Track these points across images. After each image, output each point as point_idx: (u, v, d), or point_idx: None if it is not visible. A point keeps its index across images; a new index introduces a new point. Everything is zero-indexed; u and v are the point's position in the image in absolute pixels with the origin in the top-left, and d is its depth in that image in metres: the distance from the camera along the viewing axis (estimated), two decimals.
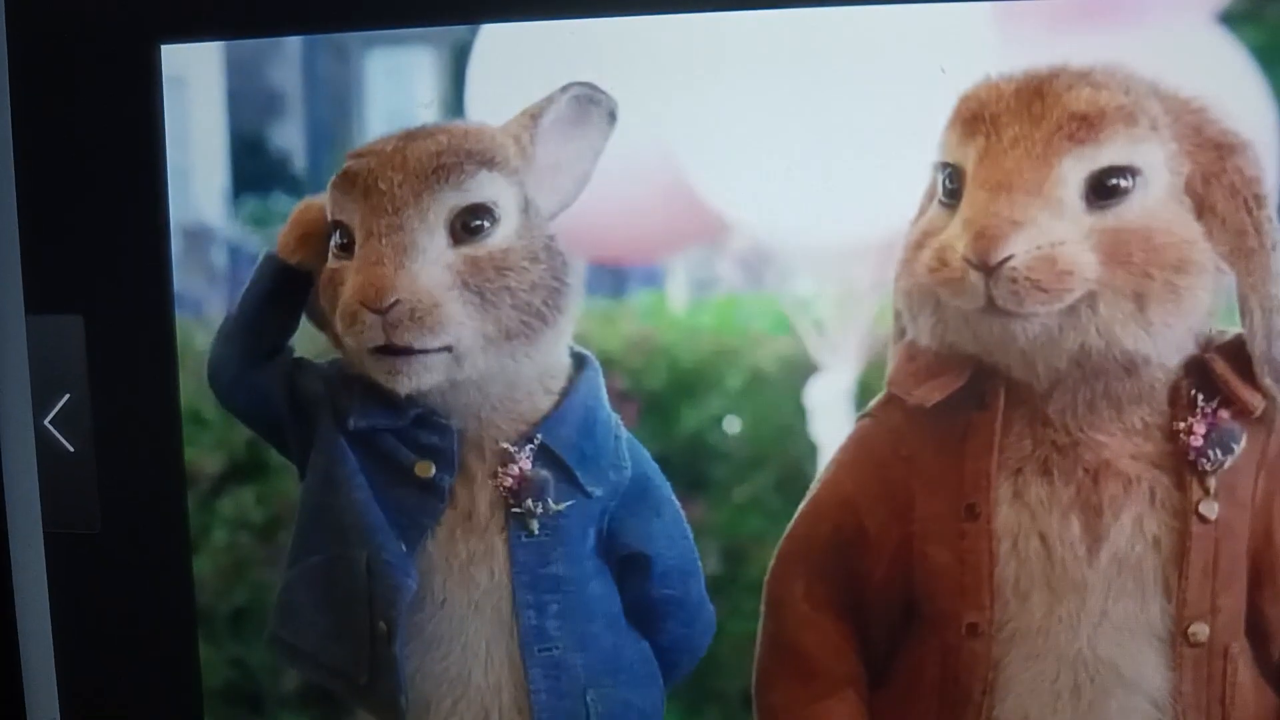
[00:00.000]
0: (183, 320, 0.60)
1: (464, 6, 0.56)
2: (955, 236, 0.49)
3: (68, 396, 0.61)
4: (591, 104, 0.54)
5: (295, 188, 0.59)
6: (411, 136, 0.54)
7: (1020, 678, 0.52)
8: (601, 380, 0.56)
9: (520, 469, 0.55)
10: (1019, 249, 0.48)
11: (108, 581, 0.62)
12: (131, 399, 0.60)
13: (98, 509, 0.62)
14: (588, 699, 0.56)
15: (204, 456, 0.62)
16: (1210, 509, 0.50)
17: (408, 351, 0.53)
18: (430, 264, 0.53)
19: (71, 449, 0.62)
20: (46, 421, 0.62)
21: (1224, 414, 0.50)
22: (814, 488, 0.55)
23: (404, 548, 0.55)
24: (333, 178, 0.54)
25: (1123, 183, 0.49)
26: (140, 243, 0.59)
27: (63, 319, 0.61)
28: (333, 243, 0.55)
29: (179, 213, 0.59)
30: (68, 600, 0.63)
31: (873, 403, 0.54)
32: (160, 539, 0.61)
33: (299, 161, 0.60)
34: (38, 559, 0.63)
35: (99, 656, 0.63)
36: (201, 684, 0.62)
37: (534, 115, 0.54)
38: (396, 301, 0.52)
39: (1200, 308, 0.49)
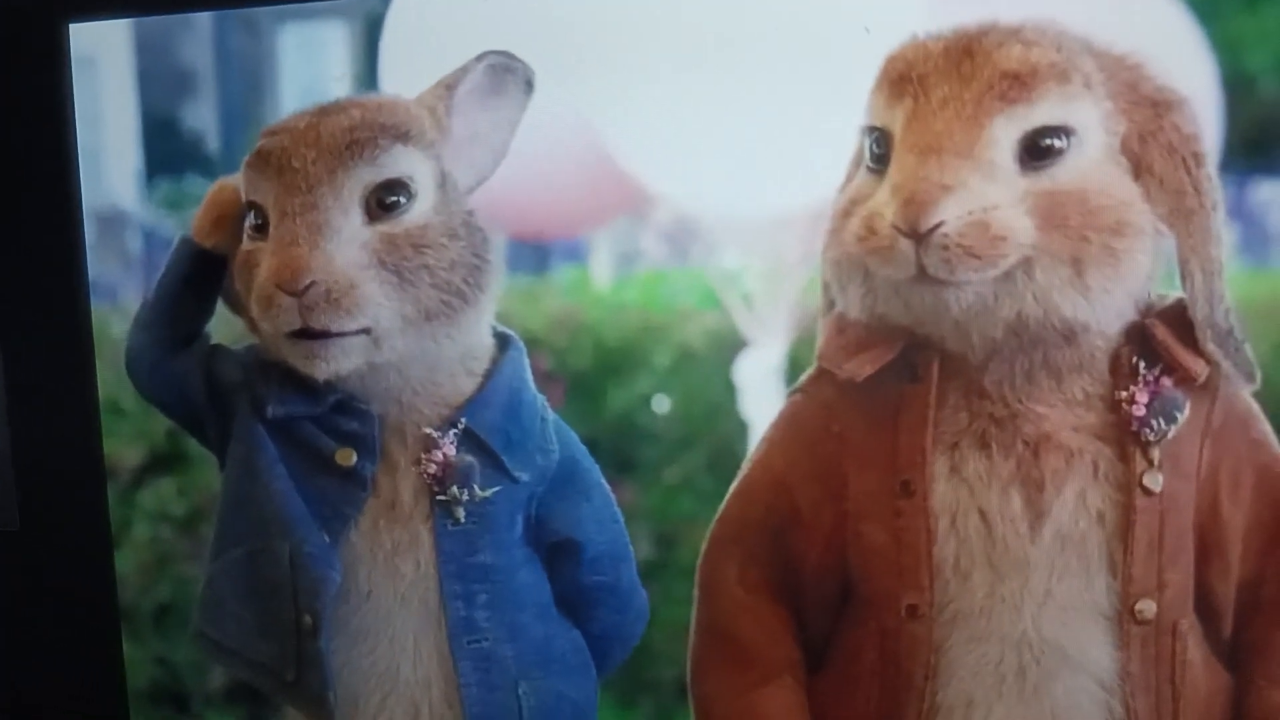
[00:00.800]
0: (98, 308, 0.58)
1: None
2: (884, 203, 0.47)
3: None
4: (508, 73, 0.52)
5: (209, 169, 0.58)
6: (325, 112, 0.52)
7: (963, 660, 0.50)
8: (526, 361, 0.55)
9: (444, 454, 0.53)
10: (950, 214, 0.46)
11: (27, 580, 0.61)
12: (46, 390, 0.59)
13: (15, 505, 0.60)
14: (519, 691, 0.54)
15: (123, 448, 0.61)
16: (1154, 481, 0.49)
17: (325, 335, 0.51)
18: (346, 243, 0.51)
19: None
20: None
21: (1166, 381, 0.49)
22: (745, 467, 0.53)
23: (327, 539, 0.54)
24: (247, 157, 0.53)
25: (1057, 143, 0.47)
26: (51, 228, 0.58)
27: None
28: (247, 224, 0.53)
29: (91, 197, 0.58)
30: None
31: (803, 378, 0.52)
32: (80, 535, 0.60)
33: (213, 141, 0.59)
34: None
35: (20, 657, 0.61)
36: (126, 683, 0.61)
37: (449, 86, 0.53)
38: (312, 283, 0.50)
39: (1140, 272, 0.48)
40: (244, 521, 0.55)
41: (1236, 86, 0.49)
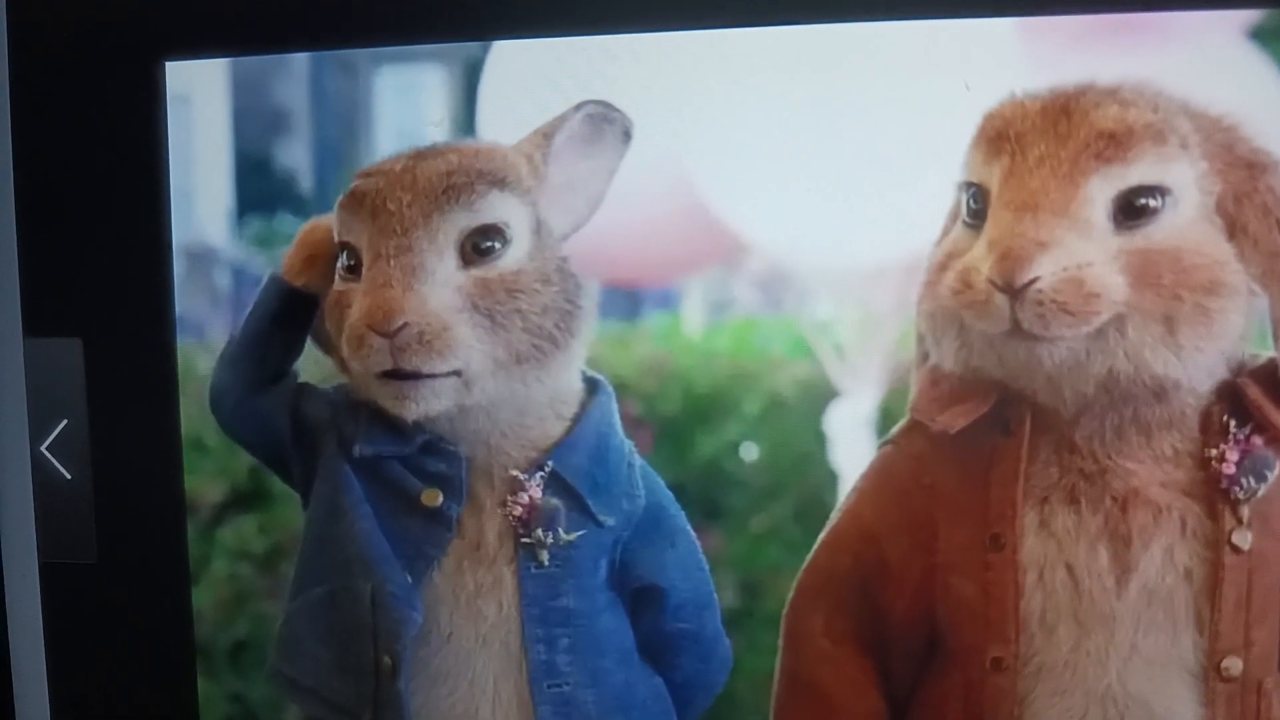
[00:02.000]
0: (184, 344, 0.60)
1: (475, 23, 0.56)
2: (980, 258, 0.49)
3: (65, 422, 0.61)
4: (606, 122, 0.54)
5: (301, 208, 0.59)
6: (421, 156, 0.54)
7: (1046, 714, 0.52)
8: (615, 405, 0.56)
9: (530, 497, 0.55)
10: (1045, 271, 0.48)
11: (104, 613, 0.62)
12: (131, 425, 0.60)
13: (94, 538, 0.61)
14: None
15: (205, 484, 0.62)
16: (1243, 539, 0.50)
17: (416, 376, 0.53)
18: (439, 286, 0.52)
19: (68, 476, 0.62)
20: (43, 448, 0.62)
21: (1257, 440, 0.50)
22: (834, 517, 0.55)
23: (409, 579, 0.55)
24: (340, 198, 0.54)
25: (1151, 202, 0.49)
26: (141, 264, 0.59)
27: (61, 342, 0.61)
28: (339, 264, 0.55)
29: (181, 233, 0.59)
30: (63, 633, 0.63)
31: (895, 429, 0.54)
32: (158, 569, 0.61)
33: (305, 181, 0.60)
34: (32, 590, 0.63)
35: (95, 691, 0.62)
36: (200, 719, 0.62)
37: (547, 134, 0.54)
38: (405, 324, 0.52)
39: (1232, 331, 0.49)
40: (326, 560, 0.56)
41: None
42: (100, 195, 0.59)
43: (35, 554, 0.62)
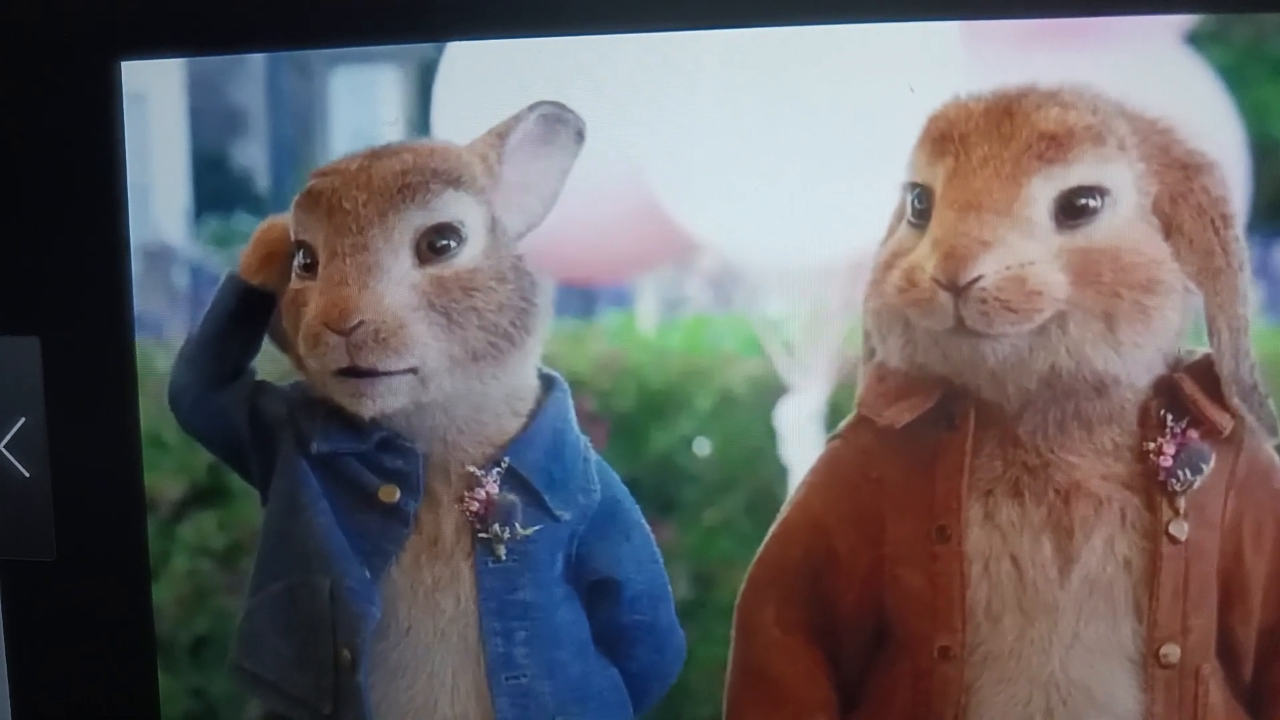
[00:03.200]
0: (143, 342, 0.61)
1: (430, 24, 0.57)
2: (924, 257, 0.51)
3: (23, 420, 0.62)
4: (559, 123, 0.56)
5: (258, 207, 0.60)
6: (376, 155, 0.56)
7: (993, 701, 0.54)
8: (570, 402, 0.58)
9: (487, 493, 0.56)
10: (988, 269, 0.49)
11: (64, 611, 0.63)
12: (89, 422, 0.61)
13: (53, 536, 0.62)
14: None
15: (164, 481, 0.63)
16: (1180, 529, 0.52)
17: (372, 373, 0.54)
18: (395, 284, 0.54)
19: (27, 474, 0.63)
20: (1, 446, 0.62)
21: (1193, 434, 0.52)
22: (784, 510, 0.57)
23: (368, 574, 0.56)
24: (296, 197, 0.56)
25: (1091, 202, 0.51)
26: (99, 262, 0.60)
27: (19, 340, 0.62)
28: (296, 263, 0.56)
29: (139, 232, 0.60)
30: (22, 630, 0.64)
31: (843, 424, 0.56)
32: (118, 566, 0.62)
33: (262, 180, 0.61)
34: None
35: (56, 688, 0.63)
36: (161, 715, 0.63)
37: (501, 134, 0.56)
38: (361, 322, 0.53)
39: (1169, 328, 0.52)
40: (285, 556, 0.58)
41: (1263, 151, 0.52)
42: (58, 194, 0.60)
43: None
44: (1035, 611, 0.53)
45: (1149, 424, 0.52)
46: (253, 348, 0.58)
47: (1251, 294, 0.51)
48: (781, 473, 0.58)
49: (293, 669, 0.57)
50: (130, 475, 0.61)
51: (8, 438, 0.62)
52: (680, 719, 0.59)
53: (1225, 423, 0.52)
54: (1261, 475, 0.53)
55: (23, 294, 0.61)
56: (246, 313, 0.58)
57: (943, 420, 0.53)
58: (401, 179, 0.54)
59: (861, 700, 0.56)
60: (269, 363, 0.58)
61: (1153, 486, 0.52)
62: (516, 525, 0.56)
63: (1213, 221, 0.51)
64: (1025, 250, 0.50)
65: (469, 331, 0.54)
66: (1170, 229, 0.51)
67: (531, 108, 0.55)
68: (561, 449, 0.57)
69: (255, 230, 0.58)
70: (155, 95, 0.60)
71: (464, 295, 0.54)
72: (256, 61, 0.60)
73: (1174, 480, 0.52)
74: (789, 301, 0.58)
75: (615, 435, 0.60)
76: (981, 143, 0.51)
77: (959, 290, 0.49)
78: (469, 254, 0.54)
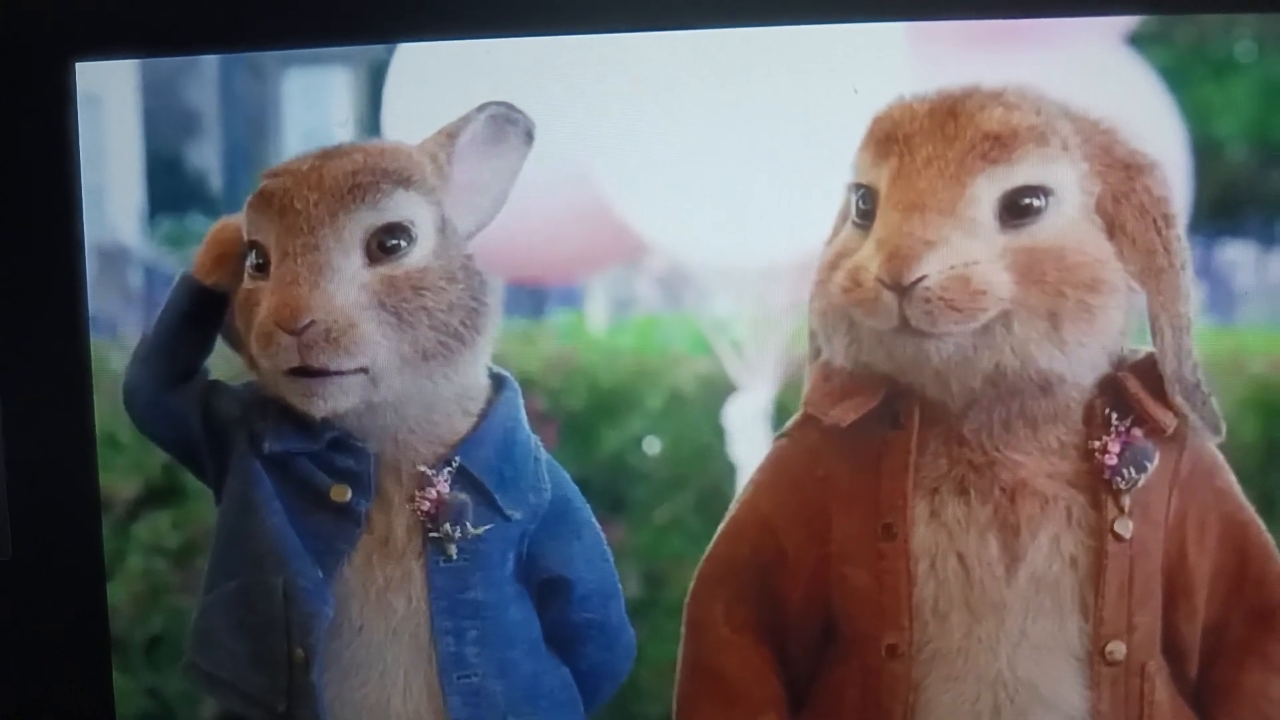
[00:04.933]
0: (97, 341, 0.61)
1: (380, 26, 0.58)
2: (869, 257, 0.51)
3: None
4: (508, 123, 0.56)
5: (212, 208, 0.61)
6: (328, 155, 0.56)
7: (941, 699, 0.54)
8: (520, 401, 0.58)
9: (438, 492, 0.56)
10: (932, 269, 0.50)
11: (18, 609, 0.63)
12: (44, 422, 0.62)
13: (9, 534, 0.63)
14: None
15: (119, 480, 0.64)
16: (1125, 527, 0.53)
17: (323, 373, 0.54)
18: (346, 284, 0.54)
19: None
20: None
21: (1137, 432, 0.53)
22: (732, 509, 0.57)
23: (320, 574, 0.57)
24: (249, 197, 0.56)
25: (1035, 202, 0.51)
26: (54, 262, 0.61)
27: None
28: (248, 263, 0.56)
29: (94, 232, 0.61)
30: None
31: (790, 423, 0.56)
32: (73, 565, 0.63)
33: (215, 181, 0.62)
34: None
35: (10, 687, 0.64)
36: (116, 713, 0.63)
37: (451, 134, 0.56)
38: (311, 322, 0.54)
39: (1113, 326, 0.52)
40: (238, 555, 0.58)
41: (1205, 151, 0.53)
42: (12, 194, 0.61)
43: None
44: (982, 609, 0.53)
45: (1094, 422, 0.53)
46: (206, 347, 0.59)
47: (1194, 293, 0.52)
48: (730, 471, 0.59)
49: (247, 667, 0.58)
50: (85, 474, 0.61)
51: None
52: (631, 717, 0.60)
53: (1169, 421, 0.52)
54: (1204, 474, 0.54)
55: None
56: (200, 313, 0.58)
57: (888, 419, 0.54)
58: (352, 179, 0.54)
59: (811, 698, 0.57)
60: (222, 362, 0.59)
61: (1098, 485, 0.53)
62: (467, 524, 0.56)
63: (1155, 221, 0.52)
64: (969, 250, 0.50)
65: (419, 331, 0.55)
66: (1113, 228, 0.52)
67: (481, 108, 0.56)
68: (512, 448, 0.57)
69: (209, 231, 0.58)
70: (109, 96, 0.61)
71: (414, 295, 0.54)
72: (210, 63, 0.61)
73: (1119, 478, 0.52)
74: (737, 301, 0.58)
75: (566, 434, 0.61)
76: (926, 143, 0.51)
77: (903, 290, 0.50)
78: (419, 254, 0.55)
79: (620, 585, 0.59)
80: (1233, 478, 0.54)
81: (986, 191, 0.51)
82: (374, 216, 0.54)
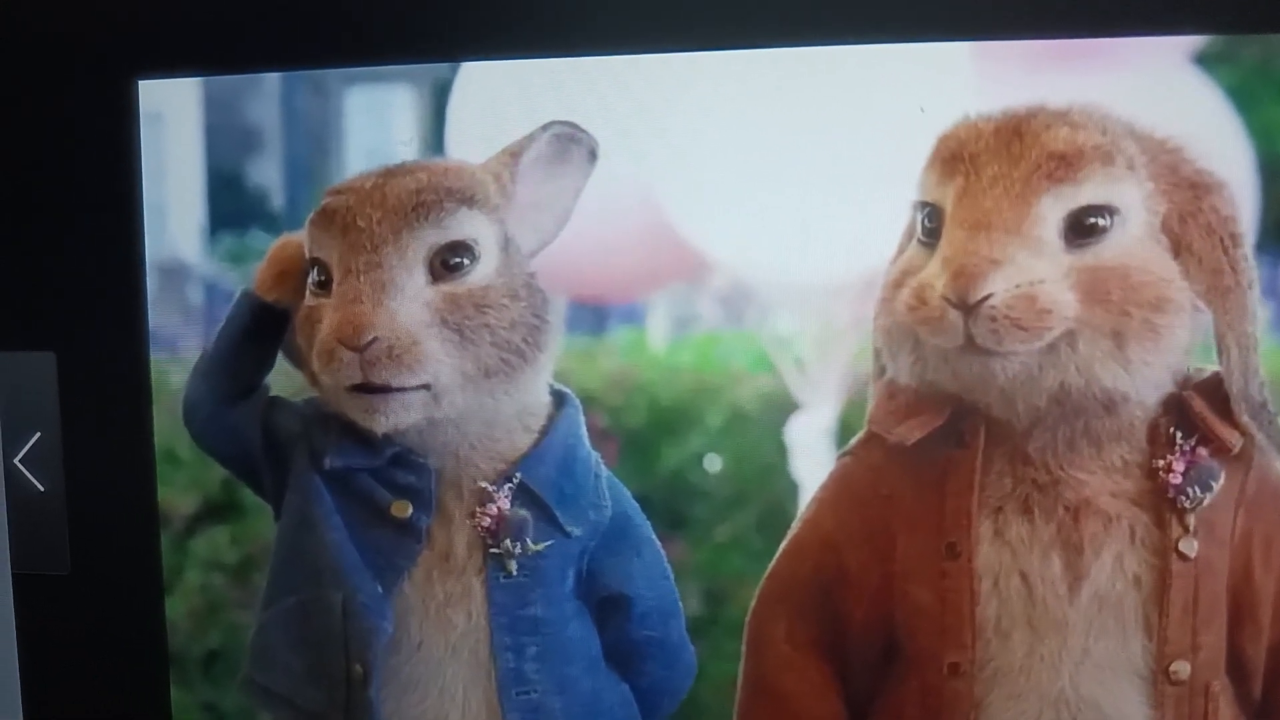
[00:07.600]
0: (157, 358, 0.62)
1: (444, 44, 0.58)
2: (934, 275, 0.51)
3: (38, 435, 0.63)
4: (572, 142, 0.57)
5: (273, 224, 0.61)
6: (391, 174, 0.56)
7: (1002, 717, 0.54)
8: (581, 418, 0.58)
9: (498, 508, 0.57)
10: (998, 288, 0.50)
11: (77, 624, 0.64)
12: (104, 438, 0.62)
13: (67, 550, 0.63)
14: None
15: (178, 496, 0.64)
16: (1190, 547, 0.53)
17: (385, 390, 0.55)
18: (409, 301, 0.55)
19: (41, 488, 0.63)
20: (16, 460, 0.64)
21: (1202, 451, 0.53)
22: (795, 527, 0.57)
23: (380, 589, 0.57)
24: (311, 214, 0.57)
25: (1101, 221, 0.51)
26: (115, 279, 0.61)
27: (34, 356, 0.63)
28: (310, 280, 0.57)
29: (154, 249, 0.61)
30: (36, 644, 0.65)
31: (853, 441, 0.56)
32: (132, 581, 0.63)
33: (277, 198, 0.62)
34: (5, 601, 0.65)
35: (69, 703, 0.64)
36: None
37: (514, 153, 0.57)
38: (374, 339, 0.54)
39: (1178, 345, 0.52)
40: (297, 571, 0.58)
41: (1271, 171, 0.53)
42: (74, 211, 0.61)
43: (8, 566, 0.64)
44: (1045, 628, 0.53)
45: (1158, 441, 0.53)
46: (266, 364, 0.59)
47: (1260, 312, 0.52)
48: (792, 489, 0.59)
49: (305, 683, 0.58)
50: (144, 490, 0.62)
51: (23, 452, 0.63)
52: None
53: (1234, 440, 0.52)
54: (1271, 493, 0.54)
55: (39, 309, 0.62)
56: (261, 329, 0.58)
57: (952, 437, 0.54)
58: (416, 197, 0.55)
59: (871, 716, 0.57)
60: (283, 379, 0.59)
61: (1162, 504, 0.53)
62: (528, 540, 0.56)
63: (1221, 240, 0.52)
64: (1035, 269, 0.50)
65: (481, 348, 0.55)
66: (1179, 248, 0.52)
67: (545, 127, 0.56)
68: (573, 465, 0.58)
69: (270, 247, 0.59)
70: (172, 114, 0.61)
71: (477, 312, 0.55)
72: (272, 80, 0.61)
73: (1183, 497, 0.52)
74: (800, 319, 0.58)
75: (626, 451, 0.61)
76: (991, 162, 0.51)
77: (969, 308, 0.50)
78: (482, 271, 0.55)
79: (680, 603, 0.59)
80: None
81: (1052, 210, 0.51)
82: (437, 235, 0.55)
